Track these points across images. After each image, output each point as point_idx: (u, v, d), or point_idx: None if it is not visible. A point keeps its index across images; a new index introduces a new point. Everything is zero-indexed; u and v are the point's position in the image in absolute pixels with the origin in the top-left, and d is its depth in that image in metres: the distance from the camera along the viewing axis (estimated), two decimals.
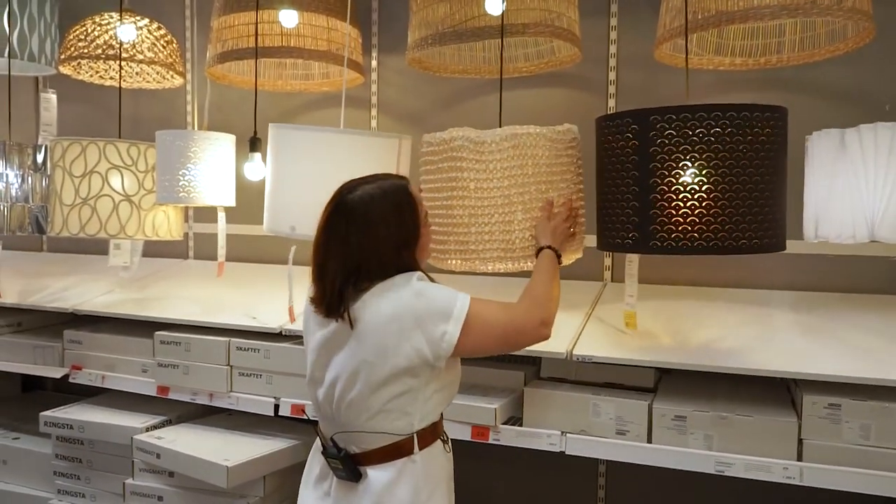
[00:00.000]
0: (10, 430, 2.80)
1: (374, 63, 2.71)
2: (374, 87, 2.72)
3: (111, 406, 2.51)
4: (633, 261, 1.85)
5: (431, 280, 1.45)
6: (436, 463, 1.48)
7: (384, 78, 2.72)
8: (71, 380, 2.51)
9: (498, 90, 1.93)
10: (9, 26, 2.67)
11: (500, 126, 1.74)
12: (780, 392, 1.89)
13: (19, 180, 2.54)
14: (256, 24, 2.28)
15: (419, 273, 1.42)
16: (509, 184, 1.66)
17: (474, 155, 1.68)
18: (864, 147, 1.61)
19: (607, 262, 2.39)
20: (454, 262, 1.76)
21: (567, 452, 1.83)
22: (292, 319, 2.17)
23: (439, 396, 1.46)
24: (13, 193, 2.51)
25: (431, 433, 1.47)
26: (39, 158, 2.56)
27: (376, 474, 1.41)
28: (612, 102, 2.35)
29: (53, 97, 2.86)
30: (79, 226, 2.27)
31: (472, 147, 1.68)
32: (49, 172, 2.46)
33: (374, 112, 2.73)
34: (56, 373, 2.53)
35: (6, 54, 2.68)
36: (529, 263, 1.70)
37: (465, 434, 1.91)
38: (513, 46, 2.23)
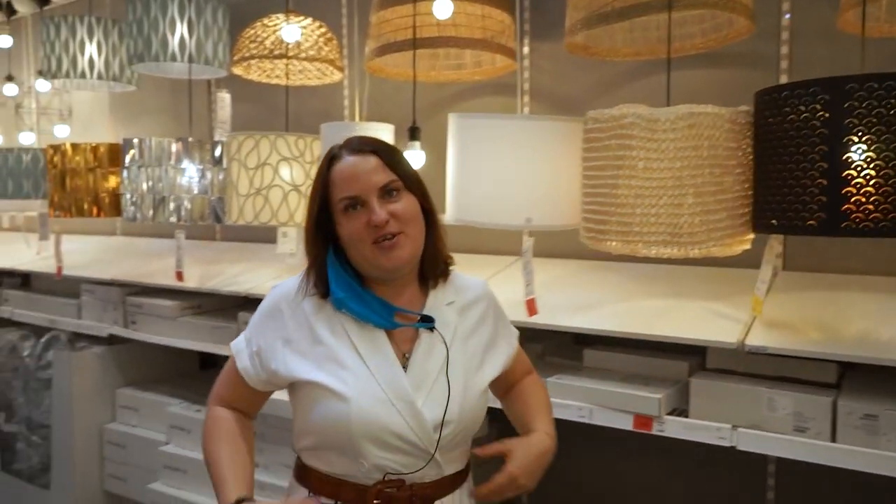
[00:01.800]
0: (192, 402, 3.07)
1: (525, 49, 2.70)
2: (525, 74, 2.71)
3: None
4: (773, 247, 1.73)
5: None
6: None
7: (536, 64, 2.70)
8: None
9: (659, 71, 1.86)
10: (189, 34, 2.90)
11: (669, 105, 1.67)
12: None
13: (199, 174, 2.76)
14: (414, 16, 2.33)
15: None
16: (682, 165, 1.58)
17: (646, 133, 1.61)
18: None
19: (779, 248, 2.24)
20: (614, 243, 1.70)
21: (738, 447, 1.74)
22: (533, 312, 2.02)
23: (301, 426, 1.29)
24: (195, 186, 2.74)
25: (301, 475, 1.32)
26: (217, 153, 2.77)
27: None
28: (784, 78, 2.20)
29: (228, 97, 3.08)
30: (253, 214, 2.44)
31: (644, 125, 1.61)
32: (225, 166, 2.65)
33: (525, 99, 2.72)
34: None
35: (185, 59, 2.92)
36: (696, 250, 1.62)
37: (626, 423, 1.87)
38: (689, 23, 2.13)
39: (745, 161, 1.66)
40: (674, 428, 1.81)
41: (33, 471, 3.55)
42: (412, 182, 1.27)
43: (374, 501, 1.20)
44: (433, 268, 1.32)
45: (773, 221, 1.50)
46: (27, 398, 3.57)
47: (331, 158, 1.26)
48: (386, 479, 1.20)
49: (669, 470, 2.43)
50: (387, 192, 1.22)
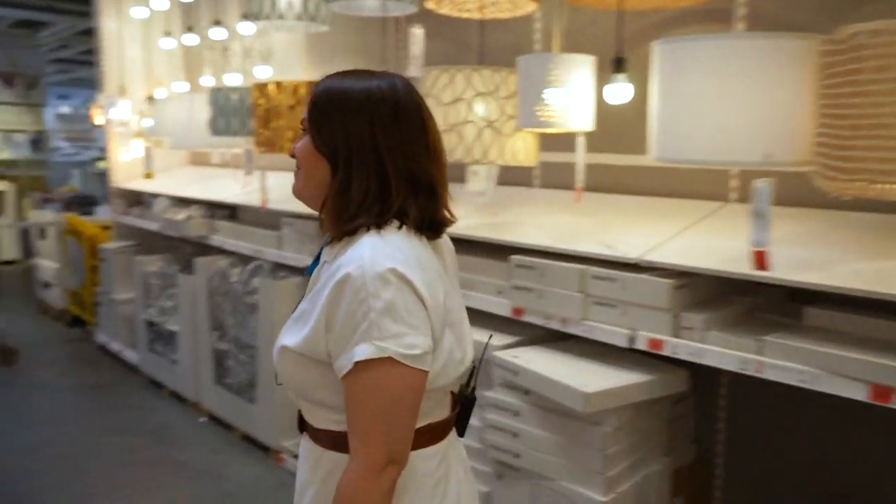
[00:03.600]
0: None
1: None
2: None
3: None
4: None
5: None
6: None
7: None
8: None
9: None
10: None
11: None
12: None
13: None
14: None
15: None
16: None
17: None
18: None
19: None
20: (883, 186, 1.42)
21: None
22: (763, 266, 1.76)
23: None
24: None
25: None
26: None
27: None
28: None
29: (421, 32, 3.05)
30: (447, 151, 2.41)
31: None
32: None
33: (740, 27, 2.43)
34: None
35: None
36: None
37: (859, 393, 1.66)
38: None
39: None
40: None
41: (241, 386, 3.91)
42: (314, 126, 1.26)
43: None
44: (326, 222, 1.29)
45: None
46: (236, 320, 3.91)
47: None
48: None
49: (887, 447, 2.17)
50: (302, 128, 1.30)
